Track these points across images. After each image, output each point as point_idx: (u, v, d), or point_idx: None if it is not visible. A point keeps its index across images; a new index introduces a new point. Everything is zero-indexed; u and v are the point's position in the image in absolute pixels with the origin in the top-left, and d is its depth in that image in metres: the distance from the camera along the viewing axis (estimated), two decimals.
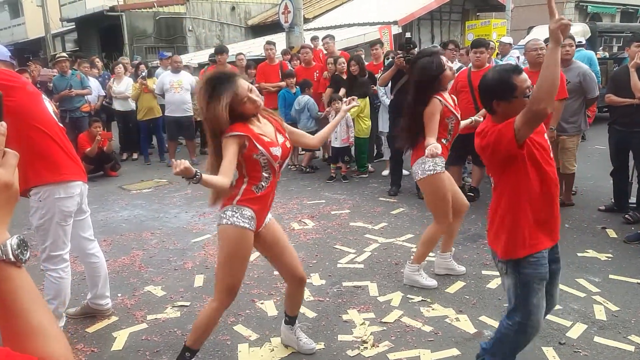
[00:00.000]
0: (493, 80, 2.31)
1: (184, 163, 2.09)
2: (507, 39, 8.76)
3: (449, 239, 3.95)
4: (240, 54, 9.01)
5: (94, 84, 8.80)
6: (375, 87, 6.83)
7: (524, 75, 2.32)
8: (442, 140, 3.63)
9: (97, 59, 10.53)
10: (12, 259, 0.76)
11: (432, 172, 3.55)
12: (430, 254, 4.15)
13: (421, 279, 3.78)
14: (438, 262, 4.00)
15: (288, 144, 2.60)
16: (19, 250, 0.77)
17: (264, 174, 2.52)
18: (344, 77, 6.99)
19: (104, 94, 9.05)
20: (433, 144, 3.30)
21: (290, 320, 2.97)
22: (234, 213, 2.49)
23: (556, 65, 2.06)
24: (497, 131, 2.22)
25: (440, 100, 3.54)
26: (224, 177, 2.33)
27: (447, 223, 3.69)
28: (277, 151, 2.49)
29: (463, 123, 3.82)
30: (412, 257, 3.88)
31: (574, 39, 5.37)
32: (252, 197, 2.52)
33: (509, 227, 2.33)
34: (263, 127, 2.54)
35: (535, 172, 2.26)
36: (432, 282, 3.77)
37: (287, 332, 3.00)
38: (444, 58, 3.60)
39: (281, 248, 2.74)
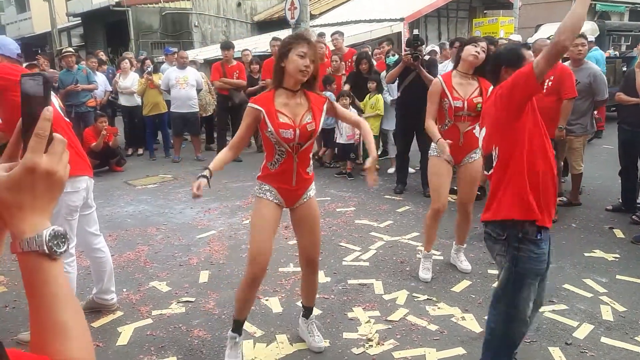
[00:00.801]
0: (505, 51, 2.60)
1: (195, 185, 2.52)
2: (516, 37, 8.70)
3: (458, 232, 4.02)
4: (246, 49, 8.99)
5: (100, 78, 8.82)
6: (371, 85, 6.84)
7: (530, 51, 2.60)
8: (439, 126, 3.76)
9: (102, 53, 10.52)
10: (46, 250, 0.72)
11: (432, 154, 3.81)
12: (437, 252, 4.16)
13: (420, 267, 3.89)
14: (452, 250, 4.15)
15: (311, 127, 2.60)
16: (54, 242, 0.73)
17: (277, 150, 2.61)
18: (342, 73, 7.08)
19: (111, 89, 9.06)
20: (440, 142, 3.54)
21: (306, 312, 3.02)
22: (257, 187, 2.72)
23: (584, 6, 2.15)
24: (513, 75, 2.27)
25: (440, 81, 3.65)
26: (227, 149, 2.70)
27: (434, 208, 3.80)
28: (287, 134, 2.54)
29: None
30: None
31: (586, 38, 5.31)
32: (268, 174, 2.69)
33: (512, 191, 2.28)
34: (291, 106, 2.60)
35: (540, 148, 2.29)
36: (426, 276, 3.81)
37: (302, 325, 3.04)
38: (476, 46, 3.56)
39: (303, 227, 2.82)
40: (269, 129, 2.55)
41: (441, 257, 4.20)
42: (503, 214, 2.31)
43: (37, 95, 0.73)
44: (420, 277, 3.82)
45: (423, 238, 4.05)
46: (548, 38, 5.62)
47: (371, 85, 6.83)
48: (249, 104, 2.61)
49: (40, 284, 0.73)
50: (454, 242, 4.11)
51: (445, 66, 6.32)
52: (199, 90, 8.28)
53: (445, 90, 3.61)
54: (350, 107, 6.81)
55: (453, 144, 3.60)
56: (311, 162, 2.77)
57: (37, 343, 0.73)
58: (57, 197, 0.76)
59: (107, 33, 20.34)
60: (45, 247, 0.72)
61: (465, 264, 3.99)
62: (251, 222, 2.75)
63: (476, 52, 3.51)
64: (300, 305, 3.12)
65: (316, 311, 3.34)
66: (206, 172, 2.58)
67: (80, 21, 21.98)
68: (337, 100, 6.75)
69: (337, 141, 6.97)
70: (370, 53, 8.73)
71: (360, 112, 6.89)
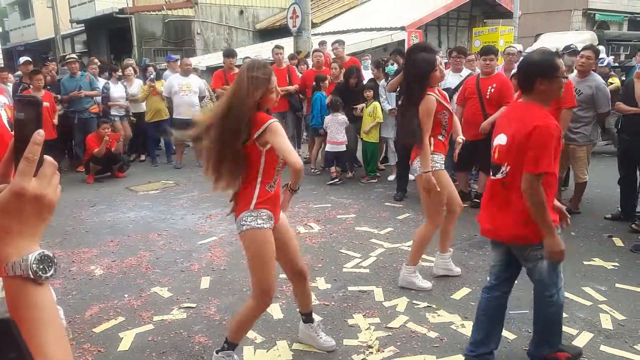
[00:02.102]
0: (541, 60, 2.51)
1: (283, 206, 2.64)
2: (518, 46, 8.58)
3: (446, 240, 4.00)
4: (248, 57, 9.04)
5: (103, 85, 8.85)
6: (367, 93, 6.91)
7: (561, 60, 2.64)
8: (439, 136, 3.69)
9: (96, 60, 10.55)
10: (31, 275, 0.71)
11: (436, 167, 3.62)
12: (429, 257, 4.17)
13: (417, 281, 3.81)
14: (437, 262, 4.06)
15: None
16: (39, 267, 0.72)
17: (277, 170, 2.60)
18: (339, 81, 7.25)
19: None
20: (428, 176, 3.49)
21: (307, 318, 3.03)
22: (254, 218, 2.54)
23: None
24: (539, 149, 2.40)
25: (434, 97, 3.58)
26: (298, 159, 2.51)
27: (438, 223, 3.74)
28: None
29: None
30: (407, 258, 3.91)
31: (596, 52, 5.34)
32: (267, 198, 2.57)
33: (520, 209, 2.50)
34: None
35: (548, 184, 2.48)
36: (427, 284, 3.80)
37: (305, 330, 3.05)
38: (438, 57, 3.59)
39: (284, 242, 2.77)
40: None
41: (433, 260, 4.22)
42: (538, 238, 2.50)
43: (28, 118, 0.74)
44: (424, 287, 3.77)
45: (415, 250, 3.84)
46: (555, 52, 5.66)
47: (368, 93, 6.92)
48: (277, 121, 2.52)
49: (24, 308, 0.72)
50: (439, 252, 4.03)
51: (446, 77, 6.34)
52: (202, 97, 8.33)
53: (442, 102, 3.61)
54: (340, 114, 6.88)
55: (446, 151, 3.74)
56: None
57: None
58: (47, 219, 0.76)
59: (110, 40, 20.47)
60: (30, 272, 0.71)
61: (456, 268, 4.05)
62: (258, 256, 2.59)
63: (440, 70, 3.62)
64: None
65: (316, 317, 3.36)
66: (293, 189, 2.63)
67: (83, 28, 22.12)
68: (328, 109, 6.91)
69: (327, 149, 7.09)
70: (369, 62, 8.83)
71: (352, 122, 6.97)
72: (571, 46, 7.16)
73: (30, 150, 0.72)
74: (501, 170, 2.56)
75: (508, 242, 2.65)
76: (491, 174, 2.67)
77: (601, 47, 10.28)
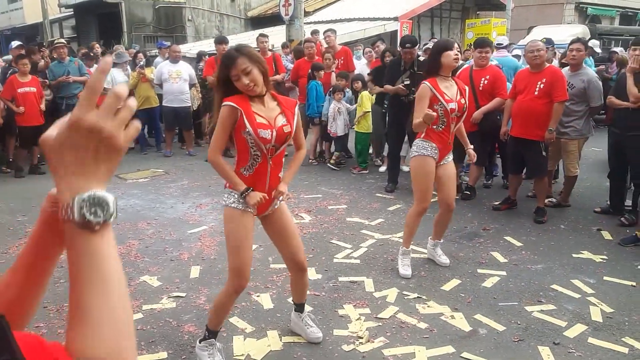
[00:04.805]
0: None
1: (257, 201, 2.53)
2: (503, 39, 8.29)
3: (438, 228, 4.06)
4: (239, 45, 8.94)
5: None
6: (356, 84, 6.93)
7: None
8: (434, 127, 3.72)
9: (97, 46, 10.44)
10: (76, 217, 0.60)
11: (416, 154, 3.77)
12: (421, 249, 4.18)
13: (400, 264, 3.93)
14: (427, 246, 4.19)
15: (287, 129, 2.59)
16: (89, 209, 0.60)
17: (252, 154, 2.56)
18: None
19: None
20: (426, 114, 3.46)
21: (298, 307, 3.04)
22: (229, 196, 2.62)
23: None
24: None
25: (428, 86, 3.62)
26: (221, 158, 2.58)
27: (424, 206, 3.82)
28: (265, 134, 2.50)
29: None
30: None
31: (585, 44, 5.33)
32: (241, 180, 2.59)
33: None
34: (265, 109, 2.56)
35: None
36: (407, 272, 3.87)
37: (296, 319, 3.06)
38: (454, 50, 3.65)
39: (284, 232, 2.79)
40: (247, 129, 2.47)
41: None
42: None
43: None
44: (402, 273, 3.86)
45: (405, 231, 4.00)
46: (541, 40, 5.65)
47: (356, 85, 6.93)
48: (226, 103, 2.48)
49: (74, 257, 0.63)
50: (430, 238, 4.14)
51: None
52: (192, 85, 8.24)
53: (436, 95, 3.61)
54: (342, 102, 6.90)
55: (443, 143, 3.74)
56: (282, 165, 2.74)
57: (68, 328, 0.64)
58: (111, 160, 0.64)
59: (99, 25, 20.15)
60: (76, 214, 0.61)
61: (443, 258, 4.08)
62: (227, 234, 2.64)
63: (456, 55, 3.65)
64: (292, 302, 3.13)
65: (307, 308, 3.35)
66: (248, 190, 2.56)
67: (72, 12, 21.76)
68: (332, 94, 6.89)
69: (338, 134, 7.08)
70: (361, 52, 8.78)
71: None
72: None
73: (93, 78, 0.64)
74: None
75: None
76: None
77: (595, 42, 10.30)
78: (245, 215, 2.60)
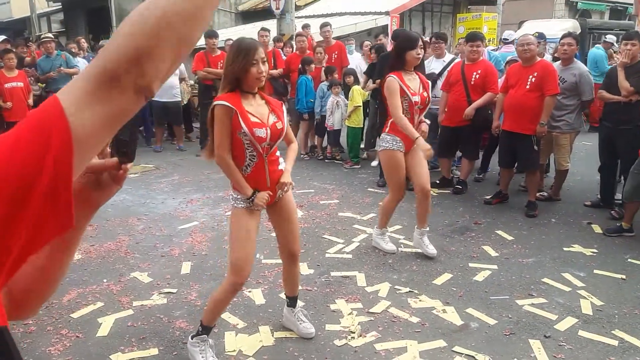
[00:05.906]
0: None
1: (262, 203, 2.60)
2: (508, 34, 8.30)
3: (420, 216, 4.07)
4: (230, 39, 8.88)
5: (82, 64, 8.64)
6: (348, 79, 6.94)
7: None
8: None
9: (83, 40, 10.31)
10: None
11: (383, 148, 3.95)
12: (410, 241, 4.19)
13: (382, 243, 4.20)
14: (414, 236, 4.22)
15: (280, 125, 2.61)
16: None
17: (248, 155, 2.58)
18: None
19: None
20: (420, 140, 3.66)
21: (291, 302, 3.04)
22: (236, 197, 2.66)
23: None
24: None
25: (396, 79, 3.73)
26: (230, 160, 2.58)
27: (397, 197, 4.04)
28: (261, 132, 2.51)
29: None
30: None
31: (576, 39, 5.34)
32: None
33: None
34: (256, 107, 2.57)
35: None
36: (392, 247, 4.17)
37: (288, 314, 3.06)
38: (417, 49, 3.77)
39: (281, 217, 2.83)
40: (243, 130, 2.47)
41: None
42: None
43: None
44: (388, 250, 4.15)
45: (380, 216, 4.27)
46: (533, 35, 5.65)
47: (348, 79, 6.92)
48: (221, 102, 2.47)
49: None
50: (416, 227, 4.13)
51: (430, 62, 6.32)
52: (182, 79, 8.17)
53: (403, 88, 3.73)
54: (340, 96, 6.89)
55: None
56: (280, 158, 2.76)
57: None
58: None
59: (88, 19, 19.90)
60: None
61: (430, 248, 4.08)
62: (233, 233, 2.67)
63: (418, 54, 3.77)
64: (284, 297, 3.12)
65: (299, 303, 3.35)
66: (255, 194, 2.59)
67: (60, 6, 21.48)
68: (329, 89, 6.89)
69: (335, 127, 7.09)
70: (353, 46, 8.74)
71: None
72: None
73: None
74: None
75: None
76: None
77: (612, 37, 10.38)
78: (252, 212, 2.65)
